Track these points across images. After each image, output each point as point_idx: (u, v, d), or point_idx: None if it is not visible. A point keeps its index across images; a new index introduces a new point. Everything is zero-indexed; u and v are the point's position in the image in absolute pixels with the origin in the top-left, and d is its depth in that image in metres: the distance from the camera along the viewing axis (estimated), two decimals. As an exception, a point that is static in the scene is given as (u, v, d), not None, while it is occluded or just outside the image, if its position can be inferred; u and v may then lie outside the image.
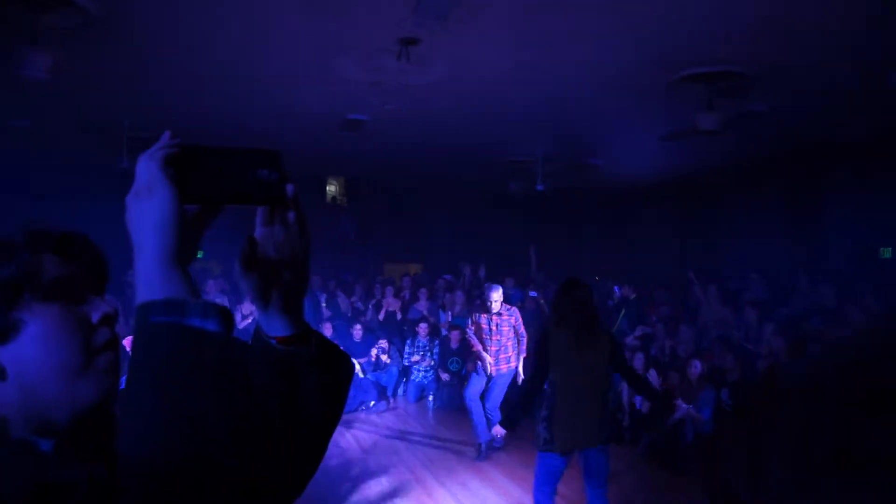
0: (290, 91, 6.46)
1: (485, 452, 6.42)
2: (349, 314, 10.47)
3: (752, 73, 5.68)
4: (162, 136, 0.85)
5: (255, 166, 0.85)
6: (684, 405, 6.43)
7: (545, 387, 3.94)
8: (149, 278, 0.78)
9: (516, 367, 6.58)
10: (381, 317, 10.48)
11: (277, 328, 0.85)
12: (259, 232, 0.88)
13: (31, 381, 0.81)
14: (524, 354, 6.60)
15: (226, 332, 0.78)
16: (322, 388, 0.83)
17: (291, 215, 0.89)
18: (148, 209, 0.80)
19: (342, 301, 10.57)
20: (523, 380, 6.36)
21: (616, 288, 10.43)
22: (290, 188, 0.88)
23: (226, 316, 0.79)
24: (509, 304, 6.95)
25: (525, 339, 6.65)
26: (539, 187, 9.32)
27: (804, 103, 6.69)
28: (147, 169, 0.82)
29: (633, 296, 9.99)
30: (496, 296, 6.47)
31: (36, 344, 0.82)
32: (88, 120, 7.65)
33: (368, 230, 13.23)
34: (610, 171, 10.46)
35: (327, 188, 13.27)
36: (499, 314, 6.50)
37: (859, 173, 8.86)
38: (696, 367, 6.70)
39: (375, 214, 13.30)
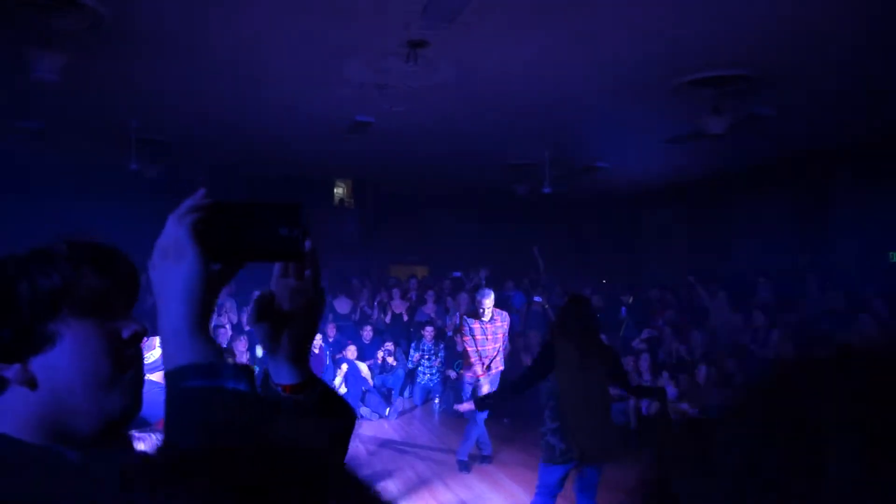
0: (298, 93, 6.48)
1: (468, 464, 6.14)
2: (356, 317, 10.47)
3: (758, 77, 5.66)
4: (196, 194, 0.87)
5: (278, 222, 0.88)
6: (692, 410, 6.40)
7: (550, 401, 4.00)
8: (178, 343, 0.80)
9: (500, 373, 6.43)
10: (387, 319, 10.49)
11: (284, 376, 0.88)
12: (275, 282, 0.91)
13: (61, 392, 0.83)
14: (501, 358, 6.41)
15: (253, 389, 0.80)
16: (324, 433, 0.85)
17: (308, 271, 0.91)
18: (176, 274, 0.82)
19: (342, 304, 10.59)
20: (519, 376, 6.06)
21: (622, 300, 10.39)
22: (307, 244, 0.89)
23: (251, 374, 0.81)
24: (510, 307, 6.86)
25: (506, 347, 6.52)
26: (546, 190, 9.30)
27: (811, 106, 6.66)
28: (176, 232, 0.84)
29: (630, 300, 9.96)
30: (488, 302, 6.16)
31: (69, 356, 0.84)
32: (97, 121, 7.69)
33: (374, 232, 13.25)
34: (616, 173, 10.43)
35: (334, 190, 13.31)
36: (492, 321, 6.22)
37: (867, 176, 8.81)
38: (703, 371, 6.67)
39: (382, 216, 13.32)
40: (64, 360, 0.83)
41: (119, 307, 0.89)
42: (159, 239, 0.84)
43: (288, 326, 0.89)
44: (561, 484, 3.98)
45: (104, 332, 0.87)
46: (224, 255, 0.86)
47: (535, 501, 4.11)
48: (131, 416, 0.89)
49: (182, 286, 0.81)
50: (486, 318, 6.19)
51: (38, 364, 0.83)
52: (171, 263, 0.82)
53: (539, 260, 8.83)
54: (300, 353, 0.89)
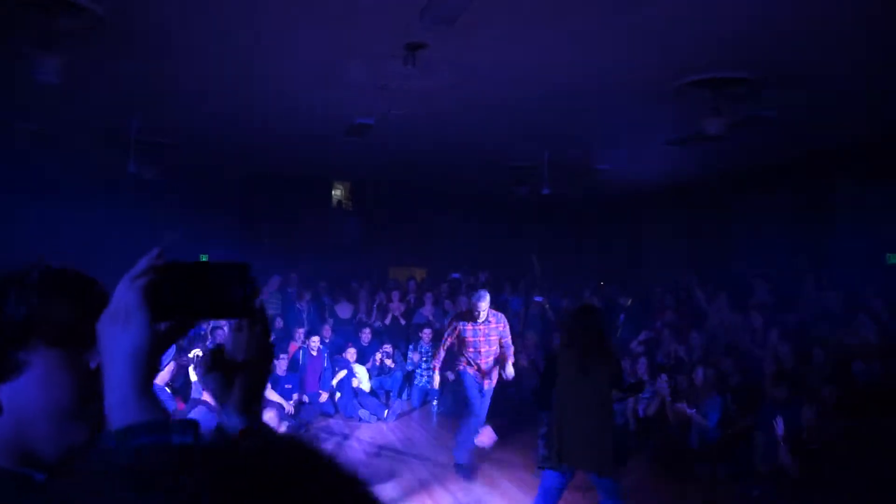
0: (298, 95, 6.49)
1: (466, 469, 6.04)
2: (353, 321, 10.47)
3: (759, 78, 5.67)
4: (149, 254, 0.86)
5: (229, 282, 0.91)
6: (689, 410, 6.40)
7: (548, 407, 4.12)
8: (123, 404, 0.80)
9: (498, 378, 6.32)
10: (386, 321, 10.49)
11: (235, 422, 0.92)
12: (227, 336, 0.96)
13: (26, 419, 0.86)
14: (511, 360, 6.26)
15: (198, 440, 0.81)
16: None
17: (258, 328, 0.95)
18: (123, 339, 0.82)
19: (343, 309, 10.60)
20: (535, 392, 5.85)
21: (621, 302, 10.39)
22: (257, 302, 0.93)
23: (196, 427, 0.82)
24: (508, 310, 6.79)
25: (511, 349, 6.31)
26: (545, 191, 9.32)
27: (811, 108, 6.67)
28: (125, 297, 0.83)
29: (628, 302, 9.97)
30: (483, 305, 6.07)
31: (36, 385, 0.86)
32: (96, 123, 7.69)
33: (373, 234, 13.24)
34: (616, 175, 10.44)
35: (333, 192, 13.31)
36: (486, 322, 6.13)
37: (867, 178, 8.82)
38: (699, 374, 6.68)
39: (380, 218, 13.31)
40: (31, 388, 0.85)
41: (89, 337, 0.89)
42: (110, 304, 0.83)
43: (239, 376, 0.94)
44: (559, 491, 4.00)
45: (72, 363, 0.89)
46: (175, 313, 0.88)
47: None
48: (93, 444, 0.91)
49: (129, 349, 0.81)
50: (480, 320, 6.11)
51: (4, 391, 0.85)
52: (120, 329, 0.82)
53: (536, 266, 8.82)
54: (250, 401, 0.94)
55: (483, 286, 10.13)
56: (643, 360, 7.63)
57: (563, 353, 4.04)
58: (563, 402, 3.95)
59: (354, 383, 8.72)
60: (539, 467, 4.04)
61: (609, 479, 3.91)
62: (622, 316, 10.10)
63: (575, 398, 3.91)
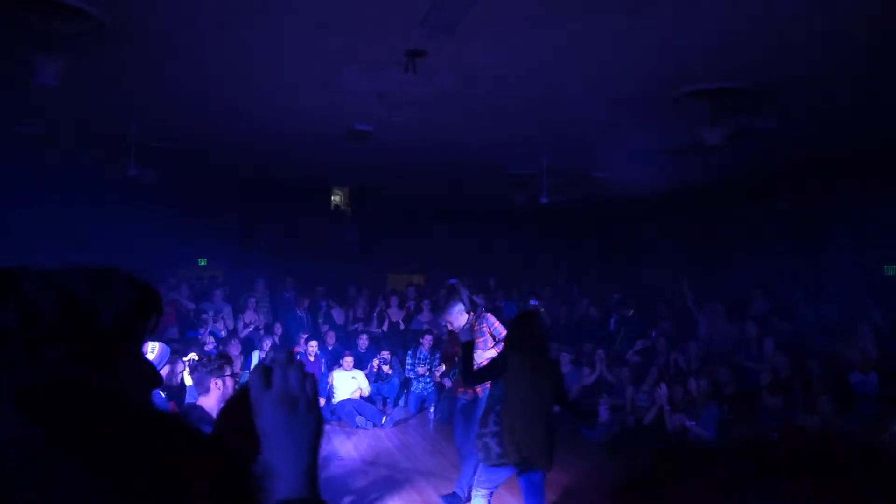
0: (298, 101, 6.50)
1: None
2: (350, 327, 10.47)
3: (756, 89, 5.69)
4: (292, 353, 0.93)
5: None
6: (689, 422, 6.40)
7: (496, 405, 4.20)
8: (296, 482, 0.83)
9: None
10: (384, 328, 10.48)
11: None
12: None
13: None
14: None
15: None
16: None
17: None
18: (305, 425, 0.87)
19: (337, 314, 10.60)
20: (476, 370, 5.13)
21: (613, 316, 10.38)
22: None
23: None
24: (501, 317, 6.52)
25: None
26: (543, 200, 9.34)
27: (809, 118, 6.70)
28: (304, 385, 0.89)
29: (630, 312, 9.98)
30: (452, 317, 5.90)
31: None
32: (96, 126, 7.70)
33: (372, 241, 13.25)
34: (614, 183, 10.46)
35: (332, 198, 13.32)
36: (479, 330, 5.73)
37: (865, 189, 8.85)
38: (692, 384, 6.69)
39: (379, 225, 13.32)
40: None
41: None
42: (279, 390, 0.87)
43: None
44: (500, 482, 4.23)
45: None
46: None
47: (466, 480, 4.50)
48: None
49: (308, 437, 0.86)
50: (455, 329, 5.86)
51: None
52: (301, 415, 0.87)
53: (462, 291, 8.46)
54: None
55: (454, 292, 10.11)
56: (654, 370, 7.65)
57: (511, 356, 4.18)
58: (514, 403, 4.11)
59: (351, 391, 8.71)
60: (491, 464, 4.14)
61: (542, 475, 4.12)
62: (612, 322, 10.12)
63: (523, 399, 4.07)
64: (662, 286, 11.44)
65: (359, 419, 8.28)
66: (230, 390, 3.32)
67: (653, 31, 4.61)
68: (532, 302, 10.47)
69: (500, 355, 4.30)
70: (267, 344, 9.00)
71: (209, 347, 8.21)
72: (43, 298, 0.78)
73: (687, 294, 9.03)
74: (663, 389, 6.96)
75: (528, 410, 4.04)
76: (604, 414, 7.87)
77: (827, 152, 8.21)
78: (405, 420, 8.84)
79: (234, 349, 8.17)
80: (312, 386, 0.90)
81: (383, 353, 9.56)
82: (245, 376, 8.17)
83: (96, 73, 5.67)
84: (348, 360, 9.00)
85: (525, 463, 4.04)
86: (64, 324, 0.78)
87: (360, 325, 10.49)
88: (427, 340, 9.25)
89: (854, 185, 9.03)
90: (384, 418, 8.42)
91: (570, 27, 4.57)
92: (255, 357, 8.69)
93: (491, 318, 5.94)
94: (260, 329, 9.69)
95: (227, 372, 3.34)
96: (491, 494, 4.31)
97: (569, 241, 14.10)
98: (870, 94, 5.87)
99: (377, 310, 10.67)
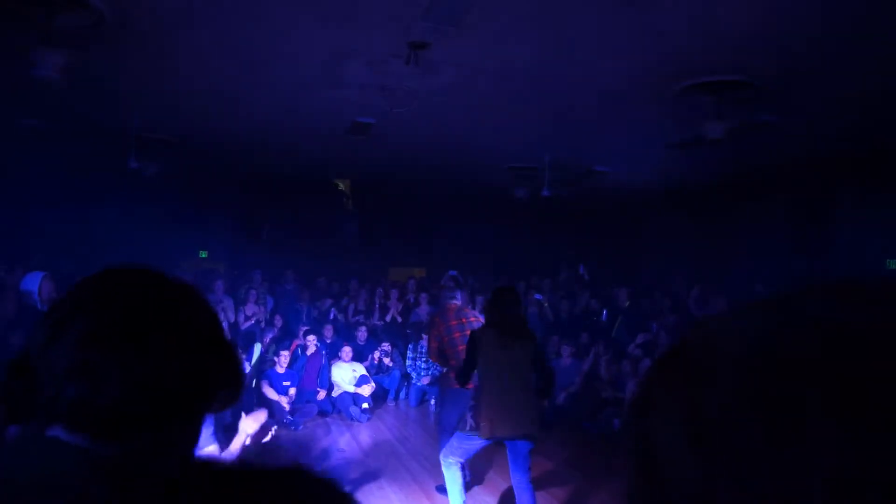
0: (299, 94, 6.49)
1: None
2: (349, 319, 10.51)
3: (761, 84, 5.68)
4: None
5: None
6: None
7: (475, 381, 4.40)
8: None
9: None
10: (387, 318, 10.51)
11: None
12: None
13: None
14: None
15: None
16: None
17: None
18: None
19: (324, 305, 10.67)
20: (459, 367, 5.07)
21: (605, 310, 10.41)
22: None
23: None
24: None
25: None
26: (545, 193, 9.33)
27: (813, 114, 6.68)
28: None
29: (626, 303, 9.98)
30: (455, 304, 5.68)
31: None
32: (97, 119, 7.70)
33: (373, 234, 13.26)
34: (616, 178, 10.46)
35: (333, 191, 13.32)
36: (470, 324, 5.40)
37: (867, 184, 8.83)
38: None
39: (380, 218, 13.32)
40: None
41: None
42: None
43: None
44: (474, 450, 4.33)
45: None
46: None
47: (443, 452, 4.51)
48: None
49: None
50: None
51: None
52: None
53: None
54: None
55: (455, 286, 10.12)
56: (647, 363, 7.64)
57: (485, 332, 4.31)
58: (488, 378, 4.22)
59: (344, 383, 8.71)
60: (466, 433, 4.32)
61: (531, 443, 4.23)
62: (604, 314, 10.14)
63: (498, 371, 4.19)
64: (663, 280, 11.44)
65: (352, 409, 8.29)
66: None
67: (656, 24, 4.60)
68: (536, 296, 10.49)
69: (470, 339, 4.43)
70: (268, 337, 9.02)
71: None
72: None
73: (692, 295, 9.03)
74: None
75: (500, 384, 4.17)
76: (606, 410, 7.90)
77: (828, 148, 8.20)
78: (406, 412, 8.86)
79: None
80: None
81: (384, 345, 9.58)
82: (246, 368, 8.22)
83: (97, 65, 5.66)
84: (346, 350, 9.02)
85: (495, 435, 4.16)
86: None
87: (360, 317, 10.51)
88: (426, 338, 9.27)
89: (856, 180, 9.01)
90: (359, 411, 8.32)
91: (573, 20, 4.56)
92: (256, 350, 8.71)
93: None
94: (261, 322, 9.70)
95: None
96: (463, 466, 4.46)
97: (570, 235, 14.08)
98: (873, 90, 5.85)
99: (378, 302, 10.69)
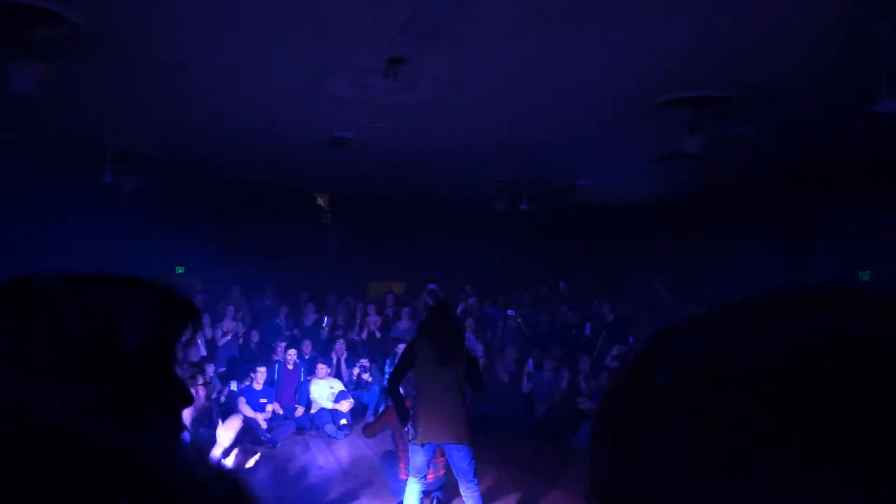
0: (278, 108, 6.47)
1: None
2: (325, 334, 10.42)
3: (738, 98, 5.76)
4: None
5: None
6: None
7: (413, 392, 4.66)
8: None
9: None
10: (363, 335, 10.43)
11: None
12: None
13: None
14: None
15: None
16: None
17: None
18: None
19: (308, 315, 10.60)
20: (389, 374, 5.22)
21: (588, 324, 10.48)
22: None
23: None
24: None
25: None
26: (523, 206, 9.37)
27: (792, 126, 6.77)
28: None
29: (611, 317, 10.05)
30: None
31: None
32: (73, 132, 7.60)
33: (353, 247, 13.20)
34: (597, 191, 10.54)
35: (313, 205, 13.26)
36: None
37: (845, 196, 9.00)
38: None
39: (360, 232, 13.28)
40: None
41: None
42: None
43: None
44: (423, 463, 4.57)
45: None
46: None
47: (403, 481, 4.86)
48: None
49: None
50: None
51: None
52: None
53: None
54: None
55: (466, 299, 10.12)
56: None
57: (421, 344, 4.55)
58: (423, 388, 4.49)
59: (322, 399, 8.62)
60: (413, 444, 4.57)
61: (467, 448, 4.49)
62: (587, 328, 10.19)
63: (433, 384, 4.46)
64: (645, 293, 11.52)
65: (328, 428, 8.21)
66: (202, 399, 3.29)
67: (635, 39, 4.66)
68: (509, 312, 10.54)
69: (408, 346, 4.73)
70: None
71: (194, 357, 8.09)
72: (61, 316, 0.67)
73: (660, 290, 9.11)
74: None
75: (432, 393, 4.45)
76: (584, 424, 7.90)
77: (809, 160, 8.32)
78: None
79: (195, 356, 8.02)
80: None
81: (362, 360, 9.52)
82: (217, 384, 8.08)
83: (74, 78, 5.59)
84: (321, 368, 8.92)
85: (429, 440, 4.46)
86: (87, 339, 0.67)
87: (339, 332, 10.44)
88: (401, 348, 9.19)
89: (836, 192, 9.17)
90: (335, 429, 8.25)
91: (552, 36, 4.61)
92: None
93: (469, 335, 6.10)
94: (239, 337, 9.59)
95: (200, 381, 3.30)
96: (423, 479, 4.69)
97: (552, 249, 14.14)
98: (851, 102, 5.95)
99: (359, 317, 10.63)
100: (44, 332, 0.66)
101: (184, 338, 0.80)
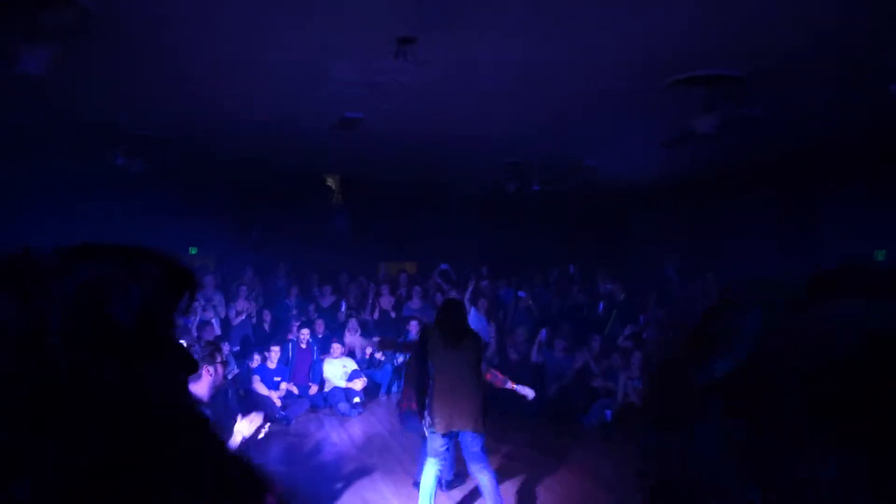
0: (288, 88, 6.46)
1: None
2: (342, 317, 10.50)
3: (749, 77, 5.70)
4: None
5: None
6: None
7: (430, 381, 4.74)
8: None
9: None
10: (375, 315, 10.50)
11: None
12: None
13: None
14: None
15: None
16: None
17: None
18: None
19: (325, 298, 10.66)
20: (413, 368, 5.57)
21: (601, 286, 10.49)
22: None
23: None
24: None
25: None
26: (535, 187, 9.33)
27: (800, 108, 6.72)
28: None
29: (622, 296, 10.04)
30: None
31: None
32: (85, 116, 7.63)
33: (364, 228, 13.23)
34: (606, 172, 10.48)
35: (324, 186, 13.26)
36: None
37: (854, 177, 8.90)
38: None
39: (371, 213, 13.29)
40: None
41: None
42: None
43: None
44: (443, 450, 4.69)
45: None
46: None
47: (421, 463, 4.93)
48: None
49: None
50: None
51: None
52: None
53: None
54: None
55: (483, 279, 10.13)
56: (637, 355, 7.69)
57: (434, 335, 4.76)
58: (439, 374, 4.63)
59: (336, 378, 8.71)
60: (431, 430, 4.66)
61: (481, 436, 4.61)
62: (601, 306, 10.19)
63: (448, 368, 4.61)
64: (652, 273, 11.49)
65: (342, 406, 8.31)
66: (220, 377, 3.34)
67: (644, 18, 4.61)
68: (520, 294, 10.57)
69: (421, 338, 4.94)
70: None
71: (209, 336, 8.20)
72: (56, 285, 0.67)
73: (671, 273, 9.09)
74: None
75: (448, 379, 4.59)
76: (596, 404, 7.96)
77: (816, 141, 8.24)
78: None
79: (209, 335, 8.12)
80: None
81: (375, 339, 9.60)
82: (231, 363, 8.18)
83: (84, 61, 5.61)
84: (336, 347, 9.01)
85: (448, 428, 4.56)
86: (82, 314, 0.67)
87: (353, 313, 10.52)
88: (413, 327, 9.25)
89: (842, 173, 9.07)
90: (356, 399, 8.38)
91: (563, 15, 4.56)
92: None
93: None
94: (252, 317, 9.68)
95: (218, 359, 3.35)
96: (443, 463, 4.83)
97: (561, 229, 14.11)
98: (861, 84, 5.88)
99: (370, 297, 10.69)
100: (36, 310, 0.65)
101: (182, 304, 0.80)
